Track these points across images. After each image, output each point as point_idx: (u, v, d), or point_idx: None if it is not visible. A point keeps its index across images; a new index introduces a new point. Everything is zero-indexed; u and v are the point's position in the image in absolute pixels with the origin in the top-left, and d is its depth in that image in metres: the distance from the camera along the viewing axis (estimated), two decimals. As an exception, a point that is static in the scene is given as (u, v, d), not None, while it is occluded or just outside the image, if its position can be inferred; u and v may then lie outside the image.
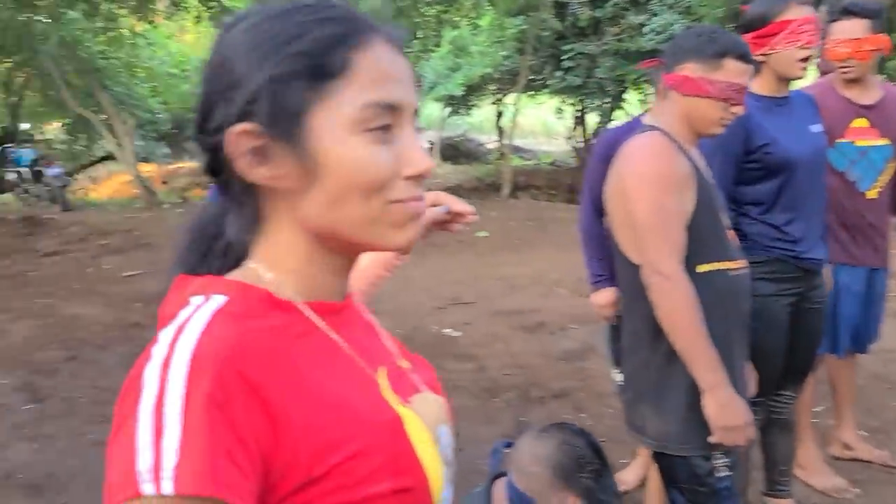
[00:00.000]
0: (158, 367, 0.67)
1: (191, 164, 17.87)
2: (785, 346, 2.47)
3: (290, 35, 0.76)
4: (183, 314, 0.73)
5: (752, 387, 2.21)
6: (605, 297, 2.78)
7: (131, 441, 0.64)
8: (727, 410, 1.87)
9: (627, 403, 2.11)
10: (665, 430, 1.98)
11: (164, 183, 15.19)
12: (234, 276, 0.81)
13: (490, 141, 18.04)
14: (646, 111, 3.01)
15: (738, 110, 1.95)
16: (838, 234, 2.94)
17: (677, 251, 1.88)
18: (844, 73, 2.90)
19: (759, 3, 2.43)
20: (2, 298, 6.43)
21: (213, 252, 0.83)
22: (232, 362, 0.68)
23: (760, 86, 2.44)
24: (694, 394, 1.90)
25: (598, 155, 2.78)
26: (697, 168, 1.97)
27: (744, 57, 1.95)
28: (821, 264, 2.54)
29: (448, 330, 5.31)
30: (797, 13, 2.35)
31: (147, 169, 13.73)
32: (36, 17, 10.93)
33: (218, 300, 0.75)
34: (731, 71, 1.92)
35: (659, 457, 2.05)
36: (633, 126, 2.68)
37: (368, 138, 0.76)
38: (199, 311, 0.73)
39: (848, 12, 2.83)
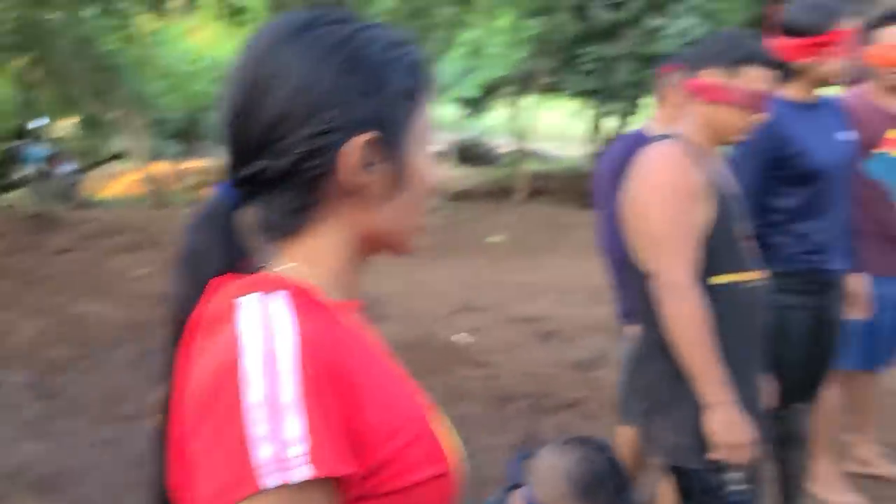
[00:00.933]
0: (261, 360, 0.68)
1: (200, 162, 17.91)
2: (804, 358, 2.43)
3: (399, 52, 0.81)
4: (252, 309, 0.74)
5: (771, 399, 2.17)
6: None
7: (240, 436, 0.64)
8: (730, 428, 1.86)
9: (641, 416, 2.08)
10: (678, 443, 1.96)
11: (175, 181, 15.22)
12: (276, 273, 0.82)
13: (504, 144, 17.98)
14: (648, 122, 2.97)
15: (759, 118, 1.93)
16: (878, 245, 2.84)
17: (689, 263, 1.88)
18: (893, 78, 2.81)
19: (805, 10, 2.39)
20: (12, 295, 6.43)
21: (237, 251, 0.84)
22: (330, 351, 0.72)
23: (795, 92, 2.42)
24: (707, 406, 1.87)
25: (606, 170, 2.74)
26: (716, 178, 1.93)
27: (766, 63, 1.92)
28: (841, 276, 2.51)
29: (459, 336, 5.26)
30: (848, 24, 2.35)
31: (158, 167, 13.77)
32: (49, 17, 11.00)
33: (280, 296, 0.76)
34: (752, 77, 1.91)
35: (672, 470, 2.01)
36: (638, 137, 2.64)
37: (426, 152, 0.84)
38: (271, 305, 0.74)
39: None
